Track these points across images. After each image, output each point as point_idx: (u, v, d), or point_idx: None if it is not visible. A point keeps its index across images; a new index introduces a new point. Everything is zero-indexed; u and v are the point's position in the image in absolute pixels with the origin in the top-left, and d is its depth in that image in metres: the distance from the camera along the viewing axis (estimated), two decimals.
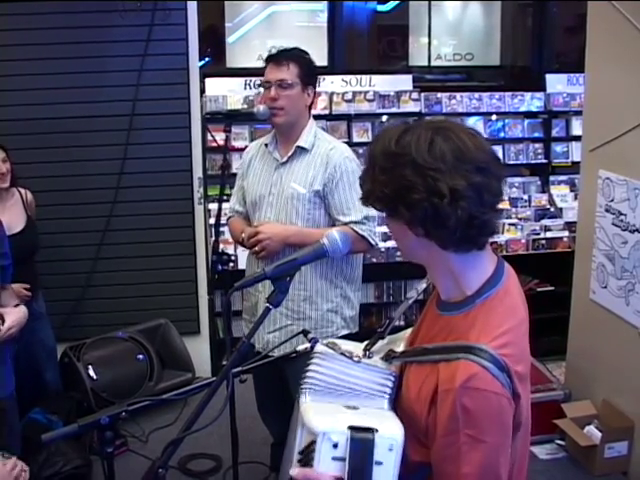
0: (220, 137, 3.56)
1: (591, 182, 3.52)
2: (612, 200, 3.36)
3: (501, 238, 4.56)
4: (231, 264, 3.05)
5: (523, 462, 1.39)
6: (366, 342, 1.53)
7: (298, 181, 2.69)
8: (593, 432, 3.41)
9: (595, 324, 3.53)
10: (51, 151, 3.98)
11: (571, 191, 4.86)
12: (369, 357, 1.47)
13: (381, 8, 5.24)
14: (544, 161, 4.88)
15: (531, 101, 4.80)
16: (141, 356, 3.95)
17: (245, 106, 4.31)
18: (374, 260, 4.35)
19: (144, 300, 4.22)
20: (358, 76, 4.61)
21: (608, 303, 3.41)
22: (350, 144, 4.04)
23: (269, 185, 2.77)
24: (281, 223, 2.71)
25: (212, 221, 3.67)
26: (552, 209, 4.80)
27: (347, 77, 4.59)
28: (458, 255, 1.32)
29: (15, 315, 2.62)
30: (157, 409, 3.80)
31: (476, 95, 4.73)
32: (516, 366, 1.27)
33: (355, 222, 2.63)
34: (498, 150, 4.75)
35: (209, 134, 4.04)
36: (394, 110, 4.59)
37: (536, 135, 4.86)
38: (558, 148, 4.87)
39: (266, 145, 2.81)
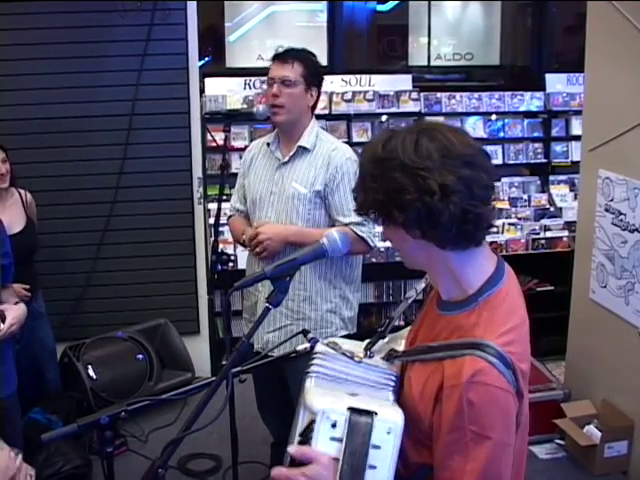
0: (220, 137, 3.56)
1: (591, 182, 3.52)
2: (612, 200, 3.36)
3: (501, 238, 4.56)
4: (231, 264, 3.05)
5: (521, 464, 1.39)
6: (367, 341, 1.53)
7: (299, 181, 2.69)
8: (593, 432, 3.41)
9: (595, 324, 3.53)
10: (51, 151, 3.98)
11: (571, 191, 4.86)
12: (370, 357, 1.48)
13: (381, 8, 5.24)
14: (544, 161, 4.88)
15: (531, 101, 4.80)
16: (141, 356, 3.95)
17: (245, 106, 4.31)
18: (374, 260, 4.35)
19: (144, 300, 4.22)
20: (358, 76, 4.61)
21: (608, 303, 3.41)
22: (350, 144, 4.04)
23: (270, 184, 2.76)
24: (281, 223, 2.71)
25: (212, 221, 3.67)
26: (552, 209, 4.80)
27: (347, 77, 4.59)
28: (457, 254, 1.32)
29: (15, 312, 2.67)
30: (157, 409, 3.79)
31: (476, 95, 4.74)
32: (520, 364, 1.28)
33: (355, 223, 2.62)
34: (498, 150, 4.77)
35: (209, 134, 4.03)
36: (394, 110, 4.59)
37: (536, 135, 4.87)
38: (558, 148, 4.87)
39: (268, 144, 2.81)
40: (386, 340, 1.54)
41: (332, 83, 4.52)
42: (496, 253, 1.42)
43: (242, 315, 3.01)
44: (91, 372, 3.74)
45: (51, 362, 3.72)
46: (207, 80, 4.39)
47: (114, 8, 3.87)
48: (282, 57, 2.69)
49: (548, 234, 4.65)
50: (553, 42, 5.08)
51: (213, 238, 3.00)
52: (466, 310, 1.33)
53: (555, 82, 4.84)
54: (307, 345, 1.64)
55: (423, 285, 1.57)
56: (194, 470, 3.46)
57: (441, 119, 4.49)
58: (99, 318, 4.16)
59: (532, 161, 4.88)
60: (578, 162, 3.93)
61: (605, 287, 3.43)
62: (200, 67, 4.22)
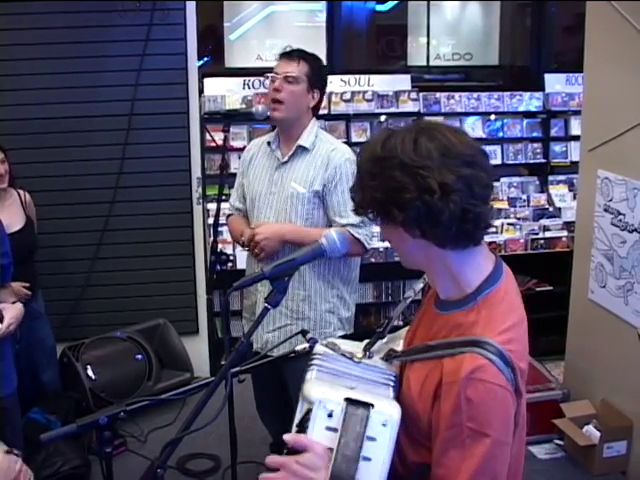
0: (219, 137, 3.56)
1: (590, 182, 3.52)
2: (611, 200, 3.36)
3: (500, 238, 4.56)
4: (230, 264, 3.05)
5: (519, 465, 1.38)
6: (366, 342, 1.53)
7: (298, 181, 2.69)
8: (592, 432, 3.41)
9: (594, 324, 3.53)
10: (50, 151, 3.98)
11: (570, 191, 4.86)
12: (369, 357, 1.48)
13: (380, 8, 5.24)
14: (543, 161, 4.88)
15: (530, 101, 4.80)
16: (140, 356, 3.95)
17: (244, 106, 4.30)
18: (373, 260, 4.36)
19: (143, 300, 4.22)
20: (357, 76, 4.61)
21: (607, 303, 3.41)
22: (349, 144, 4.04)
23: (270, 184, 2.77)
24: (280, 222, 2.71)
25: (211, 221, 3.67)
26: (551, 209, 4.80)
27: (346, 77, 4.59)
28: (456, 253, 1.32)
29: (13, 312, 2.71)
30: (156, 409, 3.79)
31: (475, 95, 4.73)
32: (519, 363, 1.28)
33: (352, 225, 2.62)
34: (497, 150, 4.77)
35: (208, 134, 4.03)
36: (393, 110, 4.59)
37: (535, 135, 4.86)
38: (557, 148, 4.87)
39: (269, 143, 2.81)
40: (385, 340, 1.54)
41: (331, 83, 4.50)
42: (494, 252, 1.42)
43: (241, 315, 3.01)
44: (90, 372, 3.74)
45: (50, 362, 3.72)
46: (206, 80, 4.39)
47: (113, 8, 3.86)
48: (289, 55, 2.72)
49: (547, 234, 4.64)
50: (552, 42, 5.08)
51: (212, 238, 3.00)
52: (465, 309, 1.33)
53: (554, 82, 4.84)
54: (306, 345, 1.64)
55: (421, 285, 1.57)
56: (193, 470, 3.46)
57: (440, 119, 4.49)
58: (98, 318, 4.16)
59: (531, 161, 4.88)
60: (577, 162, 3.93)
61: (604, 287, 3.43)
62: (199, 67, 4.22)
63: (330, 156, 2.68)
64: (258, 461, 3.35)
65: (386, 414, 1.27)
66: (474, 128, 4.71)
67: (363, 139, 4.53)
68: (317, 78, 2.72)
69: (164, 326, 4.19)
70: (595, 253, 3.49)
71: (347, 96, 4.52)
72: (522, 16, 5.38)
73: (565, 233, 4.63)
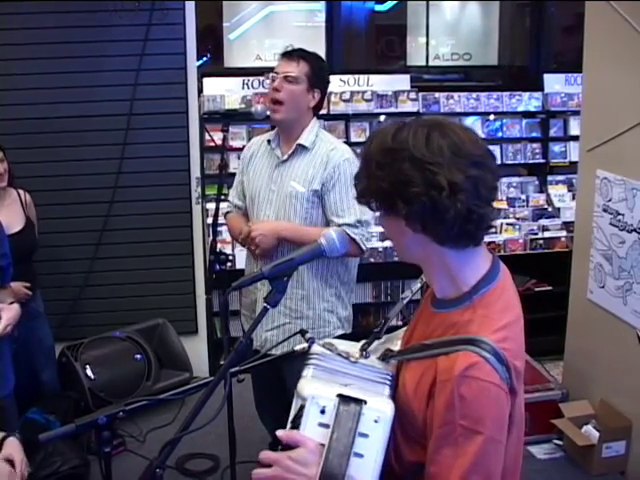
0: (218, 137, 3.56)
1: (589, 182, 3.52)
2: (610, 200, 3.36)
3: (499, 238, 4.56)
4: (229, 264, 3.05)
5: (516, 466, 1.37)
6: (363, 342, 1.53)
7: (297, 180, 2.69)
8: (591, 432, 3.41)
9: (593, 324, 3.54)
10: (49, 151, 3.97)
11: (569, 191, 4.86)
12: (366, 357, 1.48)
13: (379, 8, 5.24)
14: (542, 161, 4.89)
15: (529, 101, 4.81)
16: (139, 356, 3.95)
17: (243, 106, 4.30)
18: (372, 260, 4.35)
19: (142, 300, 4.21)
20: (356, 76, 4.61)
21: (606, 303, 3.41)
22: (348, 144, 4.03)
23: (269, 182, 2.77)
24: (279, 220, 2.71)
25: (210, 221, 3.67)
26: (550, 209, 4.80)
27: (345, 77, 4.59)
28: (455, 252, 1.32)
29: (10, 313, 2.72)
30: (155, 409, 3.79)
31: (474, 95, 4.74)
32: (515, 361, 1.27)
33: (348, 225, 2.62)
34: (496, 150, 4.76)
35: (207, 134, 4.03)
36: (392, 110, 4.60)
37: (534, 135, 4.87)
38: (556, 148, 4.87)
39: (269, 141, 2.81)
40: (382, 340, 1.54)
41: (330, 83, 4.51)
42: (492, 252, 1.42)
43: (241, 313, 3.01)
44: (89, 372, 3.74)
45: (49, 362, 3.72)
46: (205, 80, 4.39)
47: (112, 8, 3.86)
48: (289, 54, 2.72)
49: (546, 234, 4.65)
50: (551, 42, 5.08)
51: (211, 238, 3.00)
52: (461, 307, 1.33)
53: (553, 82, 4.84)
54: (305, 345, 1.64)
55: (419, 285, 1.57)
56: (192, 470, 3.46)
57: None
58: (97, 318, 4.16)
59: (530, 161, 4.88)
60: (576, 162, 3.93)
61: (603, 287, 3.43)
62: (198, 67, 4.22)
63: (329, 155, 2.68)
64: (257, 461, 3.34)
65: (379, 411, 1.27)
66: (473, 128, 4.69)
67: (362, 139, 4.52)
68: (318, 78, 2.73)
69: (163, 326, 4.19)
70: (594, 253, 3.49)
71: (346, 96, 4.53)
72: (521, 16, 5.38)
73: (564, 233, 4.63)
